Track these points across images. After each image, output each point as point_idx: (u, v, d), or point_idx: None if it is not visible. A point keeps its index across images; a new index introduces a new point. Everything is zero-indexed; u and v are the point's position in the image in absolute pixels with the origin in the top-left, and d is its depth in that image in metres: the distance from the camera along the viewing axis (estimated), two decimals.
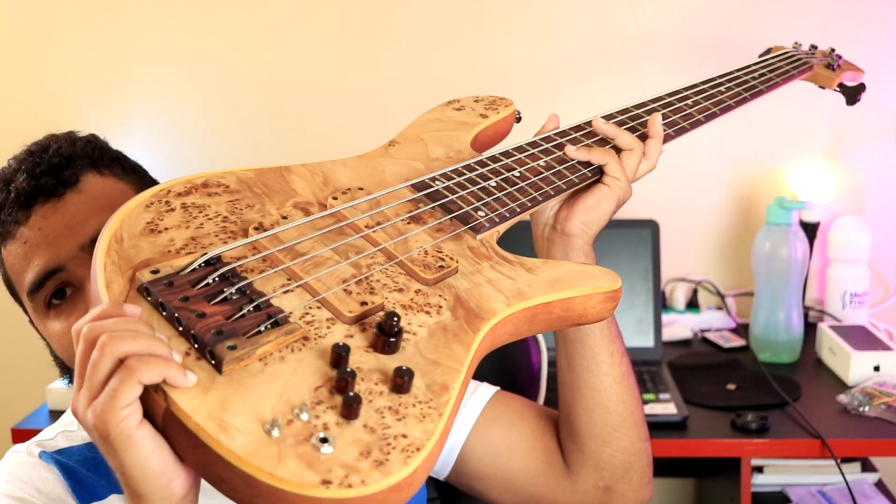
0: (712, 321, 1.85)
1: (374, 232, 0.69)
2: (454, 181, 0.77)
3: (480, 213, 0.75)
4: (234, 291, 0.59)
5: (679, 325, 1.82)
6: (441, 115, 0.89)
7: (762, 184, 1.88)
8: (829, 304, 1.80)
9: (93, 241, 0.82)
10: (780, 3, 1.82)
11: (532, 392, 1.20)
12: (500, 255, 0.72)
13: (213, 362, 0.55)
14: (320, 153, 2.00)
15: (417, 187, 0.75)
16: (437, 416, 0.56)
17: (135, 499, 0.57)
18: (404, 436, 0.54)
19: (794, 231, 1.67)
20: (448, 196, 0.75)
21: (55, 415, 1.55)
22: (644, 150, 0.89)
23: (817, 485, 1.57)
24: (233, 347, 0.55)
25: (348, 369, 0.56)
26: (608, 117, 0.92)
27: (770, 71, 1.10)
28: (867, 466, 1.61)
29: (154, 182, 0.94)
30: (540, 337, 1.24)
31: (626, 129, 0.89)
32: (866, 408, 1.44)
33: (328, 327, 0.60)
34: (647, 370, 1.61)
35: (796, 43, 1.23)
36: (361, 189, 0.74)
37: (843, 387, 1.55)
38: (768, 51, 1.21)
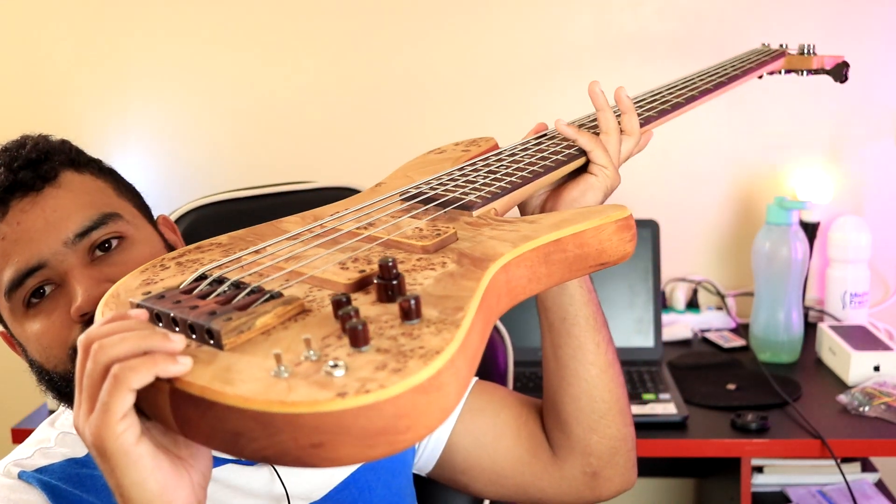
0: (712, 321, 1.85)
1: (363, 228, 0.69)
2: (437, 183, 0.78)
3: (470, 195, 0.75)
4: (227, 287, 0.59)
5: (679, 325, 1.82)
6: (424, 159, 0.90)
7: (762, 184, 1.88)
8: (829, 304, 1.80)
9: (76, 236, 0.81)
10: (779, 2, 1.82)
11: None
12: (499, 220, 0.71)
13: (213, 342, 0.54)
14: (320, 160, 2.00)
15: (406, 199, 0.76)
16: (454, 328, 0.53)
17: None
18: (421, 347, 0.51)
19: (794, 231, 1.67)
20: (433, 192, 0.76)
21: None
22: (622, 127, 0.88)
23: (817, 485, 1.57)
24: (229, 319, 0.54)
25: (351, 307, 0.53)
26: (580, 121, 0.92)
27: (743, 62, 1.13)
28: (867, 466, 1.61)
29: (130, 186, 0.93)
30: (506, 335, 1.24)
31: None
32: (866, 408, 1.44)
33: (328, 298, 0.58)
34: (647, 370, 1.61)
35: (764, 43, 1.26)
36: (349, 210, 0.74)
37: (843, 387, 1.55)
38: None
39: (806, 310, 1.79)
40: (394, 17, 1.88)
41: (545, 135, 0.90)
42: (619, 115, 0.89)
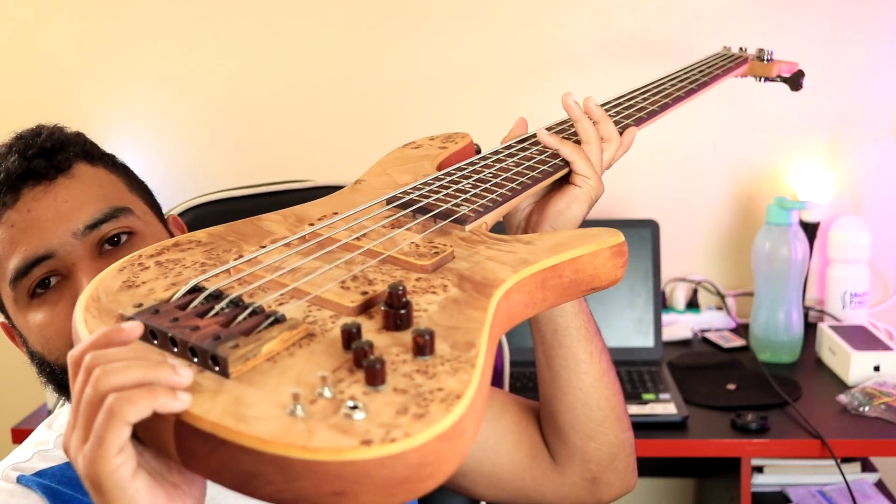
0: (712, 321, 1.85)
1: (356, 240, 0.67)
2: (426, 190, 0.77)
3: (462, 207, 0.74)
4: (224, 305, 0.57)
5: (679, 325, 1.82)
6: (400, 154, 0.90)
7: (762, 184, 1.88)
8: (829, 304, 1.80)
9: (86, 228, 0.81)
10: (780, 2, 1.82)
11: None
12: (493, 237, 0.70)
13: (218, 368, 0.52)
14: (316, 158, 2.00)
15: (391, 202, 0.75)
16: (470, 367, 0.52)
17: None
18: (440, 389, 0.50)
19: (794, 231, 1.67)
20: (423, 201, 0.74)
21: None
22: (600, 135, 0.88)
23: (817, 485, 1.57)
24: (235, 346, 0.52)
25: (364, 340, 0.52)
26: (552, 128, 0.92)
27: (709, 67, 1.15)
28: (867, 466, 1.60)
29: (142, 184, 0.93)
30: (502, 337, 1.24)
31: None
32: (866, 408, 1.44)
33: (333, 322, 0.57)
34: (646, 370, 1.61)
35: (725, 46, 1.29)
36: (336, 213, 0.73)
37: (843, 387, 1.55)
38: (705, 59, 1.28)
39: (806, 310, 1.79)
40: (392, 16, 1.88)
41: (528, 139, 0.90)
42: (596, 124, 0.89)
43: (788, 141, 1.87)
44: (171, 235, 0.90)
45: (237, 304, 0.57)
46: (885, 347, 1.58)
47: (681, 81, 1.07)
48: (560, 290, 0.68)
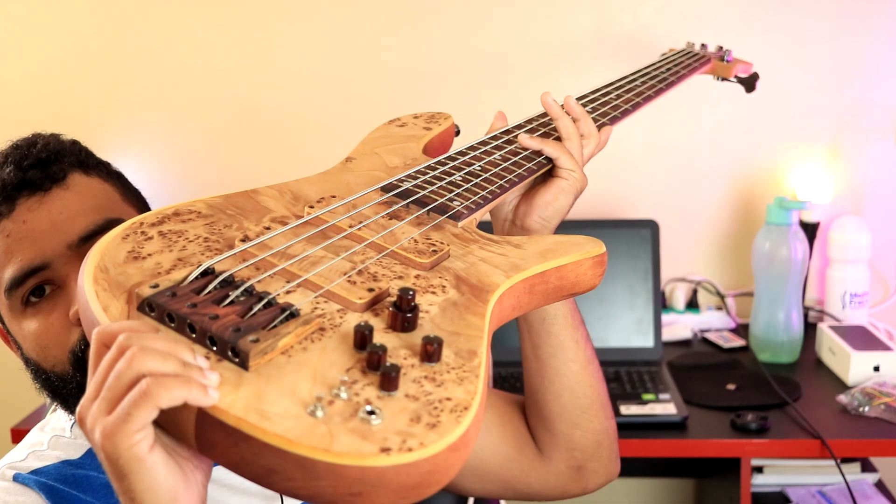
0: (712, 321, 1.85)
1: (358, 230, 0.70)
2: (420, 180, 0.79)
3: (455, 202, 0.77)
4: (239, 294, 0.59)
5: (679, 326, 1.82)
6: (387, 132, 0.92)
7: (762, 184, 1.88)
8: (829, 305, 1.80)
9: (81, 240, 0.82)
10: (779, 3, 1.82)
11: None
12: (484, 237, 0.74)
13: (238, 360, 0.54)
14: (316, 154, 2.00)
15: (386, 189, 0.77)
16: (474, 378, 0.56)
17: None
18: (448, 398, 0.54)
19: (793, 231, 1.67)
20: (419, 192, 0.77)
21: None
22: (580, 132, 0.90)
23: (817, 485, 1.57)
24: (256, 341, 0.54)
25: (377, 344, 0.55)
26: (529, 124, 0.95)
27: (676, 65, 1.19)
28: (867, 467, 1.61)
29: (136, 192, 0.94)
30: None
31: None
32: (866, 408, 1.44)
33: (341, 317, 0.60)
34: (646, 370, 1.61)
35: (689, 42, 1.31)
36: (334, 197, 0.75)
37: (843, 387, 1.55)
38: (669, 51, 1.30)
39: (806, 310, 1.79)
40: (390, 16, 1.88)
41: (511, 131, 0.92)
42: (576, 121, 0.92)
43: (788, 141, 1.87)
44: None
45: (250, 292, 0.59)
46: (885, 347, 1.58)
47: (651, 79, 1.11)
48: (544, 294, 0.72)
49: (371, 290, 0.62)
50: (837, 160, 1.86)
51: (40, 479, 0.80)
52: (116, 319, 0.56)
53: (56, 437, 0.86)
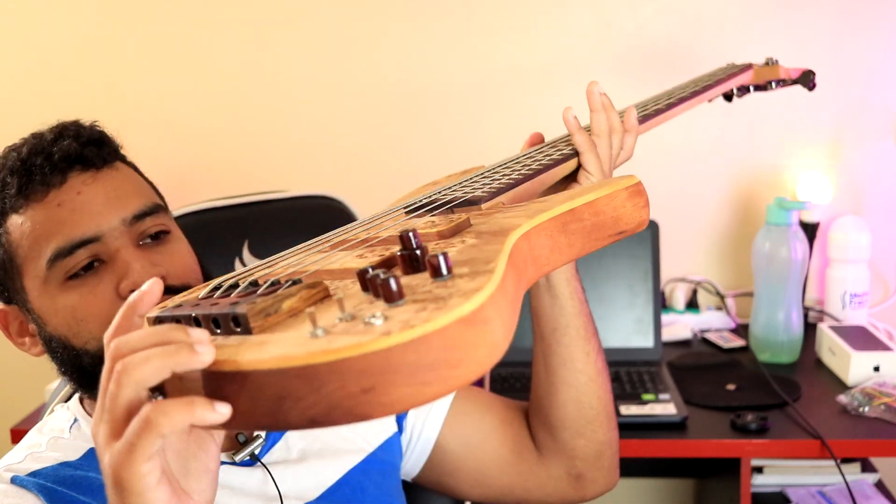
0: (712, 321, 1.85)
1: (377, 236, 0.68)
2: (441, 191, 0.78)
3: (477, 192, 0.75)
4: (244, 286, 0.58)
5: (679, 326, 1.82)
6: (418, 190, 0.91)
7: (762, 184, 1.88)
8: (829, 305, 1.80)
9: (134, 217, 0.83)
10: (779, 3, 1.82)
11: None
12: (509, 206, 0.71)
13: (239, 329, 0.52)
14: (295, 168, 1.99)
15: (410, 210, 0.75)
16: (489, 273, 0.51)
17: None
18: (458, 290, 0.50)
19: (793, 231, 1.67)
20: (439, 200, 0.75)
21: None
22: (622, 142, 0.90)
23: (817, 485, 1.57)
24: (254, 303, 0.52)
25: (379, 270, 0.52)
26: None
27: (717, 74, 1.21)
28: (867, 467, 1.60)
29: (155, 189, 0.94)
30: None
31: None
32: (866, 408, 1.43)
33: (353, 284, 0.56)
34: (646, 370, 1.60)
35: (731, 63, 1.33)
36: (355, 226, 0.74)
37: (843, 387, 1.55)
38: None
39: (806, 310, 1.79)
40: (387, 24, 1.87)
41: (536, 148, 0.92)
42: (594, 112, 0.91)
43: (788, 141, 1.87)
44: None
45: (255, 283, 0.58)
46: (885, 348, 1.57)
47: (690, 85, 1.12)
48: (584, 233, 0.68)
49: (382, 255, 0.59)
50: (837, 160, 1.86)
51: (38, 480, 0.79)
52: None
53: (54, 438, 0.86)
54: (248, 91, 1.91)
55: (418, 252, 0.55)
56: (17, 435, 1.51)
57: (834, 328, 1.67)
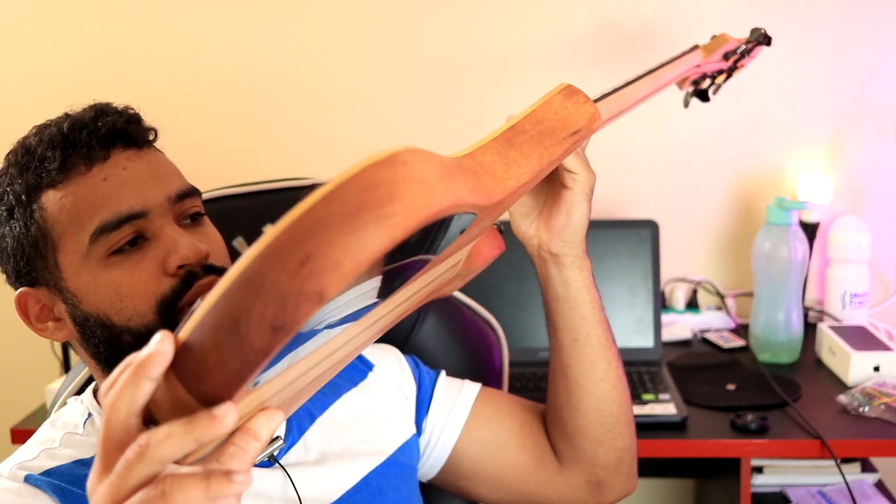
0: (712, 321, 1.85)
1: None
2: None
3: None
4: None
5: (679, 326, 1.82)
6: None
7: (762, 184, 1.88)
8: (829, 305, 1.80)
9: (178, 196, 0.82)
10: (779, 3, 1.82)
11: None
12: None
13: None
14: (311, 153, 1.99)
15: None
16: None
17: None
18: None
19: (793, 231, 1.67)
20: None
21: None
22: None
23: (817, 485, 1.57)
24: None
25: None
26: None
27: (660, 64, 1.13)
28: (867, 467, 1.60)
29: None
30: (501, 333, 1.24)
31: None
32: (866, 408, 1.43)
33: None
34: (646, 370, 1.60)
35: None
36: None
37: (843, 387, 1.55)
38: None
39: (806, 310, 1.79)
40: (386, 10, 1.87)
41: None
42: None
43: (788, 141, 1.87)
44: None
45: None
46: (885, 348, 1.57)
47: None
48: (535, 143, 0.68)
49: None
50: (837, 160, 1.86)
51: (53, 480, 0.77)
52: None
53: (68, 434, 0.83)
54: (264, 77, 1.91)
55: None
56: (17, 435, 1.51)
57: (834, 328, 1.66)
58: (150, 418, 0.49)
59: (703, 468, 1.82)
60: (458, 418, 1.00)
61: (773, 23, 1.82)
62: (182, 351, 0.47)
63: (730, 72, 1.27)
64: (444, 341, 1.19)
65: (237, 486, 0.47)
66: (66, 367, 1.73)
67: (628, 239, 1.71)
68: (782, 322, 1.67)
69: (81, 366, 1.03)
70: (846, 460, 1.57)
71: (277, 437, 0.88)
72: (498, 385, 1.22)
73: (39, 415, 1.59)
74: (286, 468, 0.87)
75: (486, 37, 1.87)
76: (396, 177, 0.45)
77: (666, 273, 1.88)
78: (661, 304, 1.78)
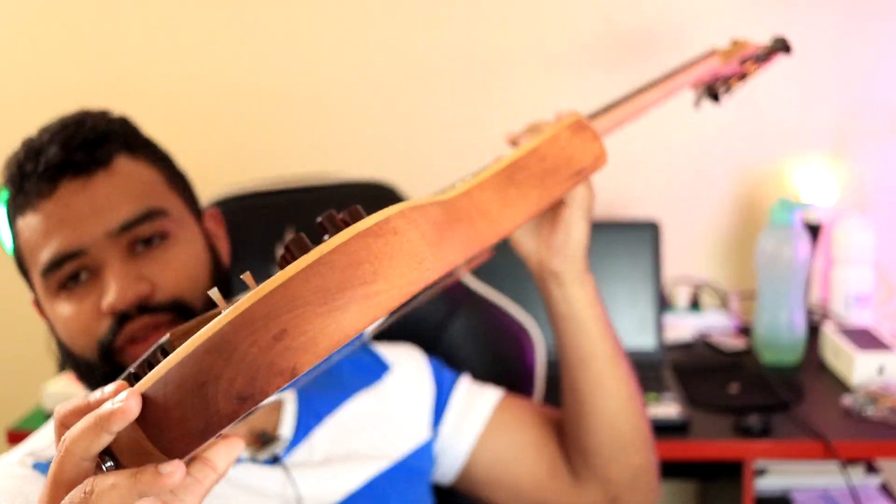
0: (714, 322, 1.84)
1: None
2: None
3: None
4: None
5: (681, 327, 1.81)
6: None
7: (765, 184, 1.87)
8: (833, 306, 1.79)
9: (120, 228, 0.80)
10: (783, 2, 1.82)
11: (527, 392, 1.19)
12: None
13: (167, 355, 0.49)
14: (334, 149, 1.99)
15: None
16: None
17: None
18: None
19: (797, 232, 1.66)
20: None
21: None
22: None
23: (821, 487, 1.56)
24: (178, 328, 0.50)
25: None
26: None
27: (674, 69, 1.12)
28: (871, 469, 1.59)
29: (181, 175, 0.91)
30: (533, 330, 1.22)
31: None
32: (870, 409, 1.42)
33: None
34: (648, 371, 1.59)
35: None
36: None
37: (847, 389, 1.54)
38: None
39: (809, 311, 1.78)
40: (391, 10, 1.87)
41: None
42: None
43: (792, 141, 1.86)
44: (206, 232, 0.90)
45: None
46: (889, 349, 1.56)
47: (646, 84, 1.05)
48: (536, 181, 0.65)
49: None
50: (841, 161, 1.85)
51: None
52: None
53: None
54: (269, 74, 1.90)
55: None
56: (14, 436, 1.50)
57: (838, 329, 1.65)
58: (108, 449, 0.48)
59: (705, 470, 1.81)
60: (475, 425, 0.99)
61: (776, 22, 1.82)
62: (145, 400, 0.45)
63: (744, 76, 1.27)
64: (474, 342, 1.17)
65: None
66: (63, 366, 1.72)
67: (629, 240, 1.70)
68: (786, 323, 1.66)
69: None
70: (850, 462, 1.56)
71: (278, 437, 0.87)
72: (530, 389, 1.19)
73: (37, 415, 1.58)
74: (289, 467, 0.86)
75: (488, 36, 1.86)
76: (384, 251, 0.44)
77: (668, 274, 1.87)
78: (663, 304, 1.77)
